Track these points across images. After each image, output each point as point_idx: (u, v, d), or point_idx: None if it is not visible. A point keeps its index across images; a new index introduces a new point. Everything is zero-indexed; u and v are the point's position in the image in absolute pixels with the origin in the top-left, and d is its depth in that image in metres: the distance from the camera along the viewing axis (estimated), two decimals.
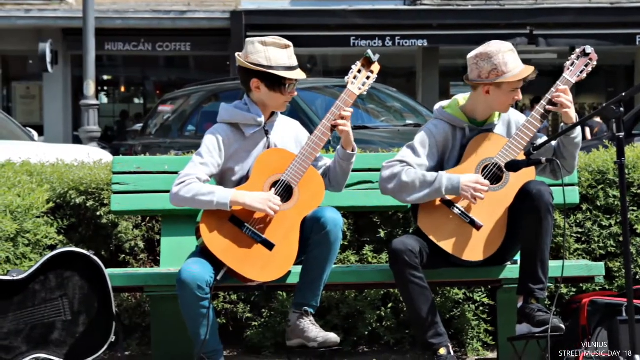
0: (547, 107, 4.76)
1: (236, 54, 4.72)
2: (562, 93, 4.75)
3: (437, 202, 4.75)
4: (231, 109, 4.73)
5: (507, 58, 4.73)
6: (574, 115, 4.76)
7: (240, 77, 4.76)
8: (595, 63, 4.87)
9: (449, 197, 4.73)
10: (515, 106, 4.95)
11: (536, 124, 4.76)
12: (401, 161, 4.77)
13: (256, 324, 5.57)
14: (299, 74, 4.66)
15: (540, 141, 4.72)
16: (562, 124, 4.81)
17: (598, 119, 17.80)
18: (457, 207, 4.74)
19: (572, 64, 4.87)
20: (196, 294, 4.38)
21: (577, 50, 4.90)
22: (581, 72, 4.86)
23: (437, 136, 4.84)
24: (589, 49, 4.88)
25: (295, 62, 4.67)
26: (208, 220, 4.53)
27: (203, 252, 4.53)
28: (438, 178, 4.69)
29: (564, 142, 4.79)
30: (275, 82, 4.62)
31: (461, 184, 4.67)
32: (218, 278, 4.46)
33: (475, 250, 4.72)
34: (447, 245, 4.70)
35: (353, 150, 4.72)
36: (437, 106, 4.99)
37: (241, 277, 4.54)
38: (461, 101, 4.91)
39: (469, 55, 4.81)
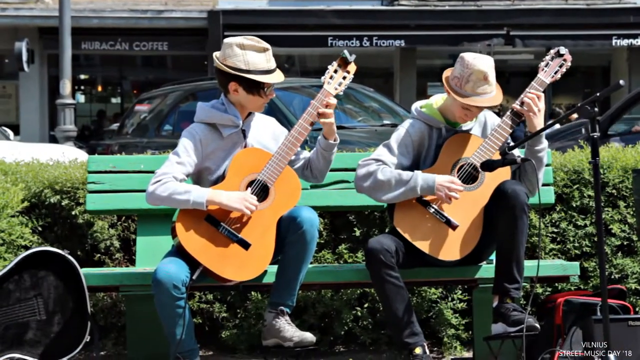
0: (514, 106, 4.78)
1: (214, 54, 4.70)
2: (534, 95, 4.76)
3: (413, 202, 4.76)
4: (208, 109, 4.72)
5: (472, 79, 4.71)
6: (539, 124, 4.76)
7: (218, 79, 4.74)
8: (569, 64, 4.89)
9: (424, 197, 4.74)
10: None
11: (511, 124, 4.78)
12: (377, 160, 4.78)
13: (231, 324, 5.56)
14: (278, 77, 4.65)
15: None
16: (527, 131, 4.82)
17: None
18: (433, 207, 4.75)
19: (546, 65, 4.89)
20: (172, 294, 4.37)
21: (552, 51, 4.91)
22: (555, 72, 4.88)
23: (413, 135, 4.85)
24: (563, 50, 4.90)
25: (273, 65, 4.66)
26: (184, 219, 4.52)
27: (179, 251, 4.52)
28: (413, 177, 4.70)
29: (528, 154, 4.80)
30: (253, 86, 4.62)
31: (436, 183, 4.68)
32: (194, 277, 4.45)
33: (451, 250, 4.73)
34: (423, 245, 4.71)
35: (335, 140, 4.72)
36: (414, 106, 5.00)
37: (217, 276, 4.53)
38: (438, 101, 4.93)
39: (462, 53, 4.83)
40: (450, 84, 4.77)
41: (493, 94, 4.77)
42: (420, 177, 4.69)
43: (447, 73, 4.85)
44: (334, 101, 4.67)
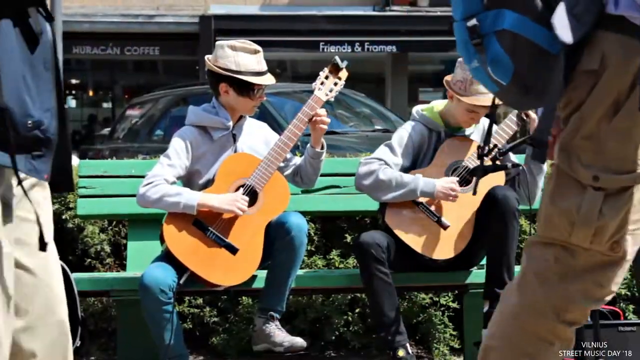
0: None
1: (206, 57, 4.73)
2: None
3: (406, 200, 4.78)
4: (199, 112, 4.73)
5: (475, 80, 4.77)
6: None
7: (209, 81, 4.77)
8: None
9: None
10: None
11: (508, 131, 4.82)
12: (379, 159, 4.80)
13: (222, 328, 5.56)
14: (268, 79, 4.66)
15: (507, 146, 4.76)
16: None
17: None
18: (425, 206, 4.77)
19: None
20: (159, 298, 4.36)
21: None
22: None
23: (413, 137, 4.89)
24: None
25: (264, 67, 4.68)
26: (171, 223, 4.52)
27: (167, 256, 4.52)
28: (414, 180, 4.72)
29: (523, 168, 4.84)
30: (243, 87, 4.63)
31: (436, 188, 4.70)
32: (181, 282, 4.45)
33: (440, 250, 4.74)
34: (414, 244, 4.72)
35: (322, 148, 4.73)
36: (415, 109, 5.04)
37: (205, 281, 4.53)
38: (439, 106, 4.97)
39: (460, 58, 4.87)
40: (453, 88, 4.80)
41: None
42: (422, 181, 4.72)
43: (448, 78, 4.89)
44: (323, 111, 4.69)
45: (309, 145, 4.75)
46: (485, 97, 4.74)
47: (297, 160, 4.83)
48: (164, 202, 4.50)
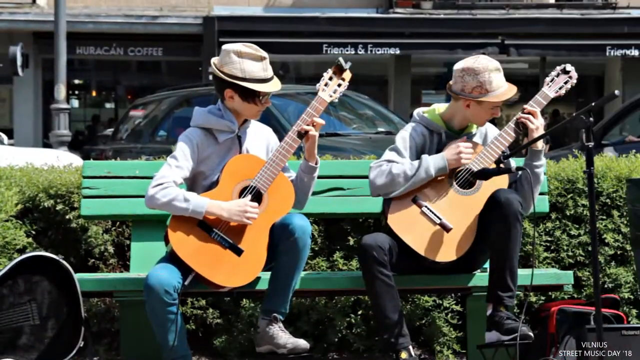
0: (520, 115, 4.83)
1: (212, 60, 4.72)
2: (530, 114, 4.82)
3: (409, 202, 4.76)
4: (205, 114, 4.73)
5: (492, 77, 4.77)
6: (539, 144, 4.82)
7: (214, 85, 4.77)
8: (574, 81, 4.96)
9: (417, 194, 4.74)
10: None
11: (511, 134, 4.82)
12: (388, 161, 4.80)
13: (225, 330, 5.56)
14: (274, 86, 4.65)
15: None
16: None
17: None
18: (427, 208, 4.75)
19: (551, 80, 4.96)
20: (163, 299, 4.36)
21: (558, 68, 4.99)
22: (560, 88, 4.96)
23: (416, 138, 4.89)
24: (569, 67, 4.97)
25: (270, 74, 4.67)
26: (176, 224, 4.52)
27: (172, 257, 4.52)
28: (424, 160, 4.72)
29: (526, 171, 4.85)
30: (248, 94, 4.63)
31: (446, 157, 4.74)
32: (186, 283, 4.45)
33: (443, 252, 4.72)
34: (416, 245, 4.71)
35: (316, 163, 4.72)
36: (416, 111, 5.04)
37: (209, 282, 4.53)
38: (440, 109, 4.97)
39: (456, 67, 4.85)
40: (470, 96, 4.77)
41: (506, 83, 4.85)
42: (430, 158, 4.74)
43: (456, 87, 4.84)
44: (321, 122, 4.69)
45: (302, 158, 4.73)
46: (505, 89, 4.80)
47: (292, 174, 4.80)
48: (172, 206, 4.50)
